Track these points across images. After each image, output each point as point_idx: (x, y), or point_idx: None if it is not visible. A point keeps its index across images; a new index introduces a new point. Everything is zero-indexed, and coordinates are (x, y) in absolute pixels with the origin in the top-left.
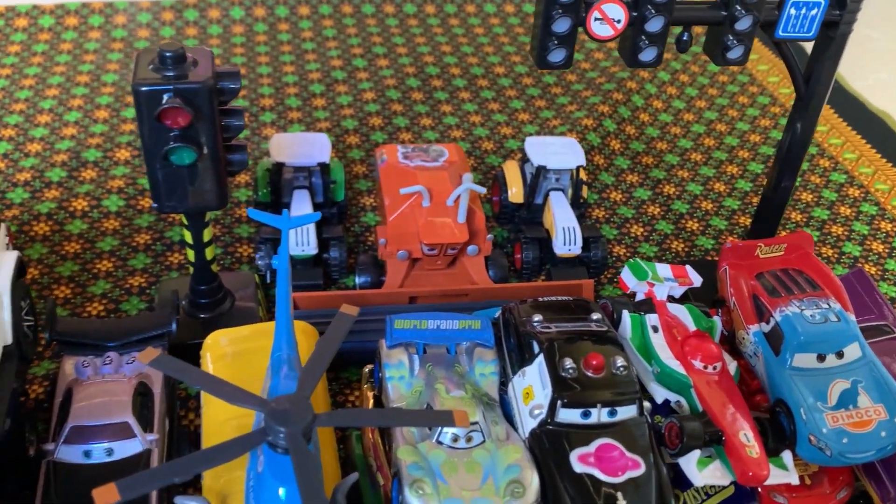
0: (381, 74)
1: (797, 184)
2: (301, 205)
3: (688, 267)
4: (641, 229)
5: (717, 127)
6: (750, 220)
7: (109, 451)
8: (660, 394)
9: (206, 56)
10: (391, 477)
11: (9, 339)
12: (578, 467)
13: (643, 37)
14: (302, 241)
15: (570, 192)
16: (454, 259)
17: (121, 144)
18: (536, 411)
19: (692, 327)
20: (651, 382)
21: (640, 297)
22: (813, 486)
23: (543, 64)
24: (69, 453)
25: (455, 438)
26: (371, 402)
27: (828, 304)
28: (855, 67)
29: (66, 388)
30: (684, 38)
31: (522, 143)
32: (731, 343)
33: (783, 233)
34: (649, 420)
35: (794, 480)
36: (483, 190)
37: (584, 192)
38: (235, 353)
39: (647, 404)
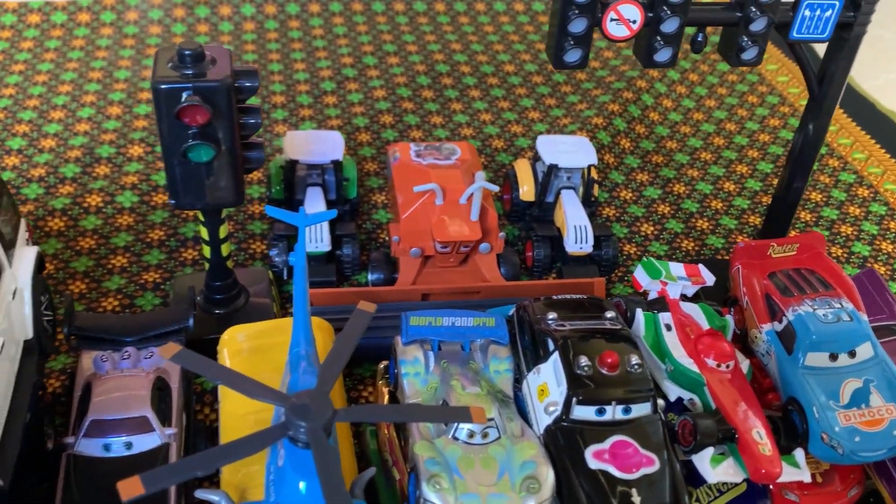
0: (392, 72)
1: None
2: (314, 202)
3: (700, 266)
4: (652, 228)
5: (727, 126)
6: (760, 220)
7: (128, 445)
8: (673, 392)
9: (224, 54)
10: (407, 472)
11: (30, 334)
12: (593, 463)
13: (658, 37)
14: (315, 237)
15: (581, 190)
16: (466, 256)
17: (134, 141)
18: (551, 408)
19: (705, 326)
20: (664, 380)
21: (652, 295)
22: (824, 484)
23: (559, 64)
24: (89, 447)
25: (471, 434)
26: (386, 397)
27: (840, 304)
28: (865, 67)
29: (85, 382)
30: (699, 39)
31: (533, 141)
32: (742, 342)
33: (793, 233)
34: (663, 417)
35: (807, 478)
36: (496, 188)
37: (596, 190)
38: (252, 348)
39: (660, 402)
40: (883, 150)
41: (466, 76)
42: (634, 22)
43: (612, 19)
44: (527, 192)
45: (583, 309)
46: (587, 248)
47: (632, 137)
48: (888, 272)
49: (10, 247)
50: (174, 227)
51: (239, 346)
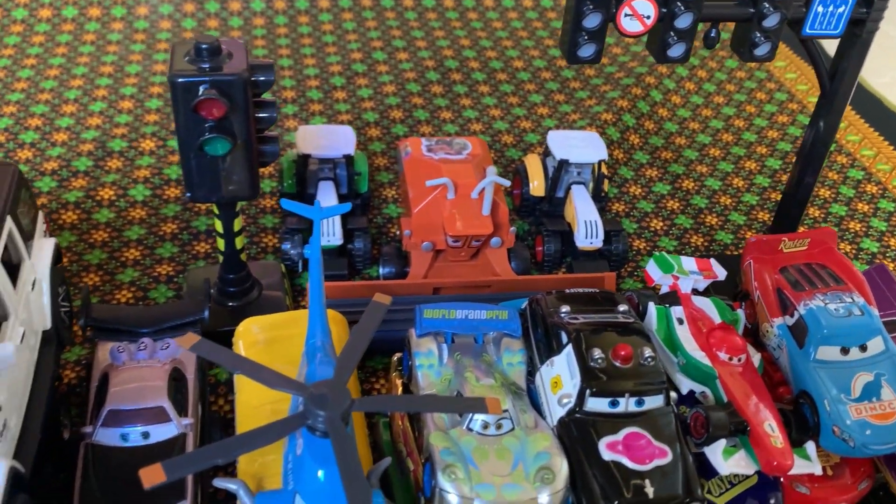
0: (401, 68)
1: None
2: (326, 196)
3: (712, 260)
4: (661, 223)
5: (735, 122)
6: (768, 215)
7: (146, 435)
8: (685, 384)
9: (240, 48)
10: (422, 462)
11: (48, 324)
12: (607, 455)
13: (672, 33)
14: (328, 231)
15: (591, 185)
16: (477, 251)
17: (146, 135)
18: (565, 400)
19: (717, 320)
20: (676, 373)
21: (664, 290)
22: (835, 477)
23: (573, 59)
24: (107, 436)
25: (485, 426)
26: (400, 389)
27: (851, 299)
28: (873, 64)
29: (102, 372)
30: (712, 35)
31: (542, 137)
32: (753, 336)
33: (802, 229)
34: (675, 410)
35: (818, 471)
36: (508, 182)
37: (606, 185)
38: (267, 339)
39: (672, 395)
40: (891, 147)
41: (475, 71)
42: (648, 17)
43: (626, 14)
44: (537, 187)
45: (595, 303)
46: (597, 243)
47: (641, 133)
48: None
49: (28, 238)
50: (186, 220)
51: (254, 337)
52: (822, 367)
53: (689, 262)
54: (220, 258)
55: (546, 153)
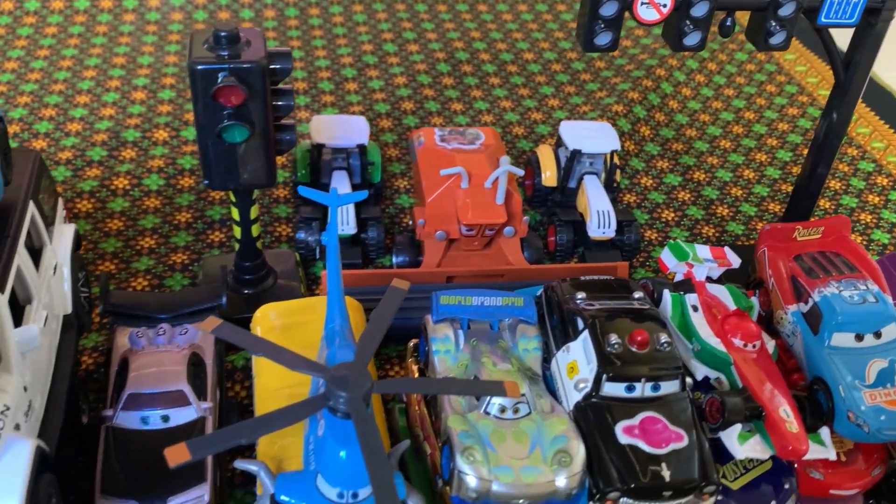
0: (412, 59)
1: None
2: (340, 185)
3: (726, 248)
4: (672, 214)
5: (746, 115)
6: (779, 207)
7: (165, 418)
8: (700, 371)
9: (258, 37)
10: (440, 446)
11: (69, 309)
12: (623, 438)
13: (688, 21)
14: (342, 220)
15: (603, 175)
16: (490, 240)
17: (159, 125)
18: (581, 385)
19: (732, 307)
20: (691, 359)
21: (678, 277)
22: (848, 463)
23: (590, 47)
24: (127, 419)
25: (503, 409)
26: (416, 375)
27: (866, 286)
28: (883, 57)
29: (122, 357)
30: (727, 24)
31: (553, 128)
32: (767, 324)
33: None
34: (691, 395)
35: (832, 456)
36: (521, 172)
37: (618, 175)
38: (284, 325)
39: (688, 380)
40: None
41: (486, 63)
42: (665, 5)
43: (642, 3)
44: (549, 177)
45: (611, 289)
46: (610, 233)
47: (651, 125)
48: None
49: (49, 224)
50: (201, 209)
51: (271, 323)
52: (837, 354)
53: (703, 250)
54: (236, 246)
55: (558, 143)
